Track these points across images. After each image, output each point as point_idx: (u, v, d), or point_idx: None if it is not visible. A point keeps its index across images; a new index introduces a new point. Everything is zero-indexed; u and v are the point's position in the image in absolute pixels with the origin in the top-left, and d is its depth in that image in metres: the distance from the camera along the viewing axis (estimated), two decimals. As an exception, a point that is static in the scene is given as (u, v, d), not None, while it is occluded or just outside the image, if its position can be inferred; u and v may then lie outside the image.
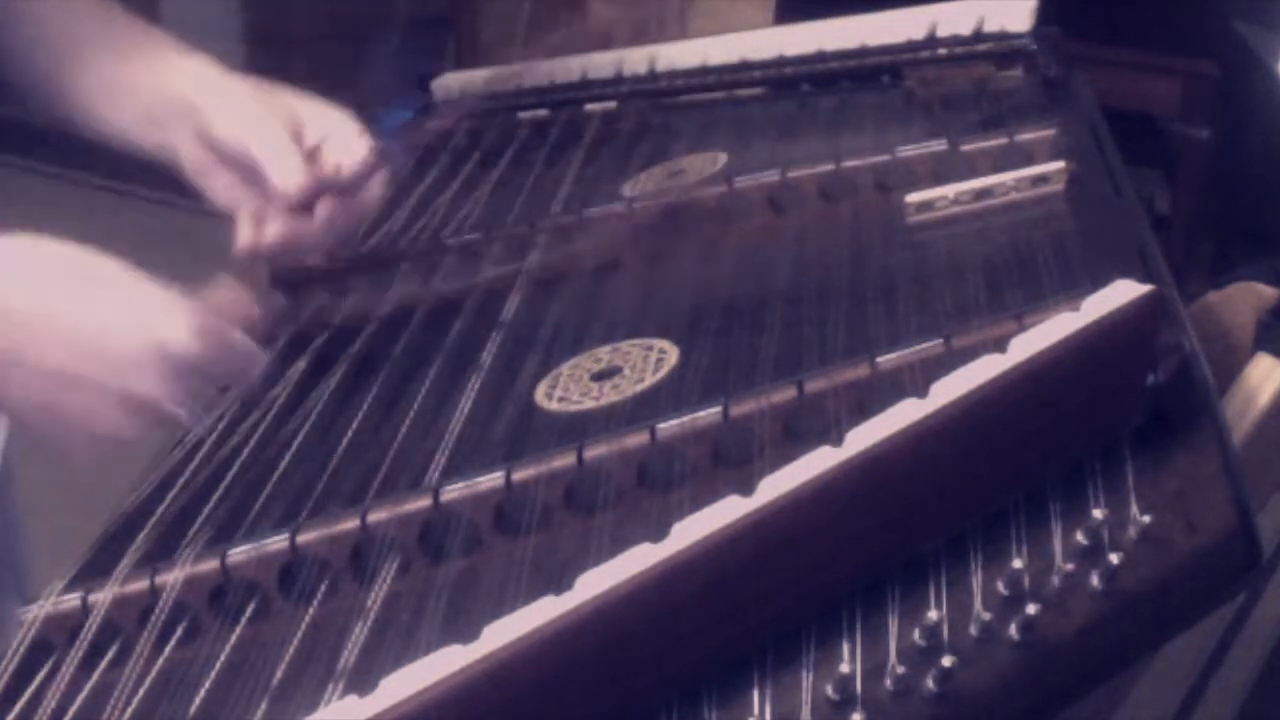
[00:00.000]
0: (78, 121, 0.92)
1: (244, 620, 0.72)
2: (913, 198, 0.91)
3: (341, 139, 0.88)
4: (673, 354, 0.82)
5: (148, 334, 0.73)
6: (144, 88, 0.90)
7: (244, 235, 0.88)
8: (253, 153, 0.86)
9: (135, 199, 2.63)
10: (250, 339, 0.79)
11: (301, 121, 0.88)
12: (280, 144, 0.86)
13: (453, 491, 0.73)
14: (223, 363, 0.76)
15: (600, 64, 1.25)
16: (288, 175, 0.86)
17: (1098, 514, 0.61)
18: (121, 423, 0.74)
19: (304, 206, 0.87)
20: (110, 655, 0.72)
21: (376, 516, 0.73)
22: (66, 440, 0.76)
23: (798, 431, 0.72)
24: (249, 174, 0.87)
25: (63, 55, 0.91)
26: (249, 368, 0.79)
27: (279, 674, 0.67)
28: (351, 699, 0.57)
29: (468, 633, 0.57)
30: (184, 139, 0.89)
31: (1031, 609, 0.59)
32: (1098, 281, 0.67)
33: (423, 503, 0.73)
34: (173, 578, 0.73)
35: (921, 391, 0.63)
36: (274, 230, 0.87)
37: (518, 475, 0.72)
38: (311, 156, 0.87)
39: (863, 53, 1.15)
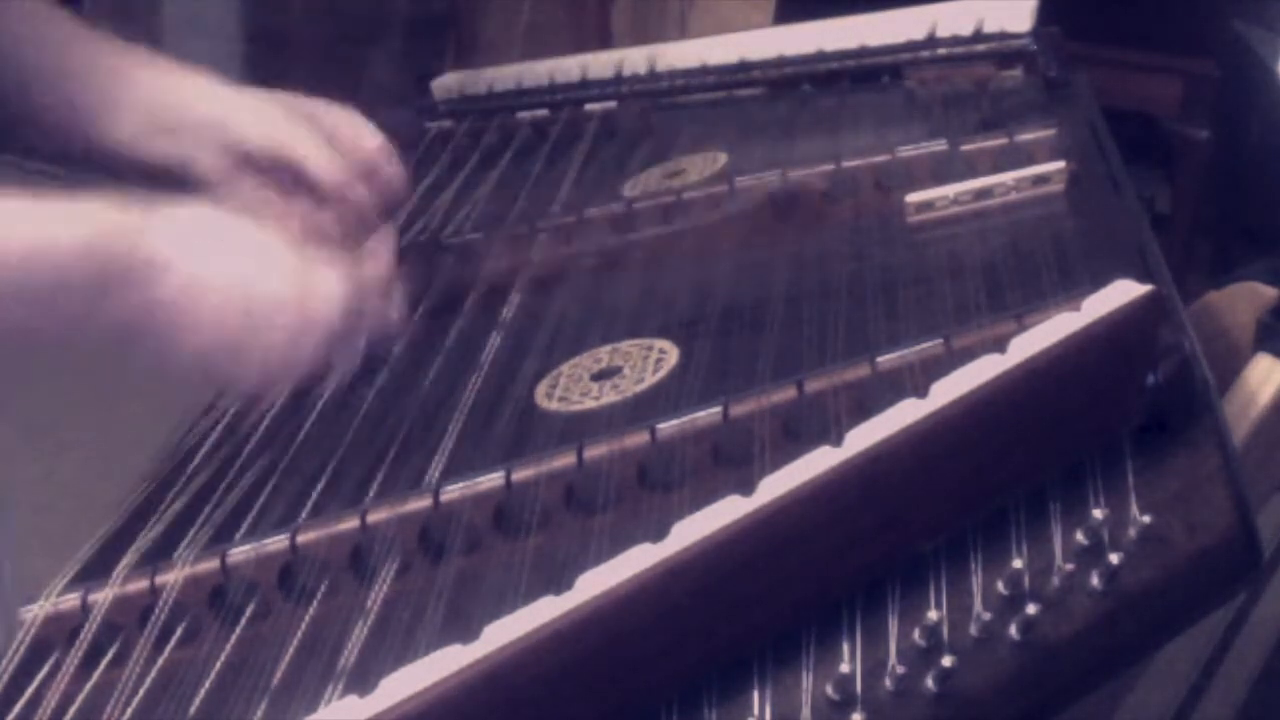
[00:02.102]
0: (88, 143, 0.93)
1: (244, 620, 0.72)
2: (913, 198, 0.91)
3: (351, 129, 0.92)
4: (673, 354, 0.82)
5: (303, 301, 0.78)
6: (153, 104, 0.92)
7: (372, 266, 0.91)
8: (289, 153, 0.89)
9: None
10: (394, 304, 0.86)
11: (319, 121, 0.91)
12: (313, 140, 0.90)
13: (453, 491, 0.73)
14: (367, 326, 0.82)
15: (600, 64, 1.24)
16: (329, 166, 0.90)
17: (1098, 514, 0.61)
18: (269, 380, 0.81)
19: (341, 199, 0.91)
20: (110, 655, 0.72)
21: (376, 516, 0.73)
22: (229, 392, 0.86)
23: (798, 431, 0.72)
24: (275, 178, 0.90)
25: (67, 80, 0.92)
26: (389, 331, 0.86)
27: (279, 674, 0.67)
28: (351, 699, 0.57)
29: (468, 633, 0.57)
30: (204, 149, 0.90)
31: (1031, 609, 0.59)
32: (1098, 281, 0.67)
33: (423, 503, 0.73)
34: (173, 578, 0.73)
35: (921, 391, 0.63)
36: (385, 254, 0.91)
37: (518, 475, 0.72)
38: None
39: (863, 53, 1.15)
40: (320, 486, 0.78)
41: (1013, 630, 0.59)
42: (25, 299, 0.74)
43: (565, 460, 0.72)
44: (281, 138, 0.90)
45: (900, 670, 0.58)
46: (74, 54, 0.93)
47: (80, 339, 0.77)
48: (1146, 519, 0.61)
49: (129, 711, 0.68)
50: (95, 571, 0.76)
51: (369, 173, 0.92)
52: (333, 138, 0.91)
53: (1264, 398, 0.77)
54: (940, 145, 0.95)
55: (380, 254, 0.88)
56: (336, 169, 0.90)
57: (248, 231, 0.80)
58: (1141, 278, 0.67)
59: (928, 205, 0.90)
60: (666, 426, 0.72)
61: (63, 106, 0.92)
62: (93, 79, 0.92)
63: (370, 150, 0.92)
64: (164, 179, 0.93)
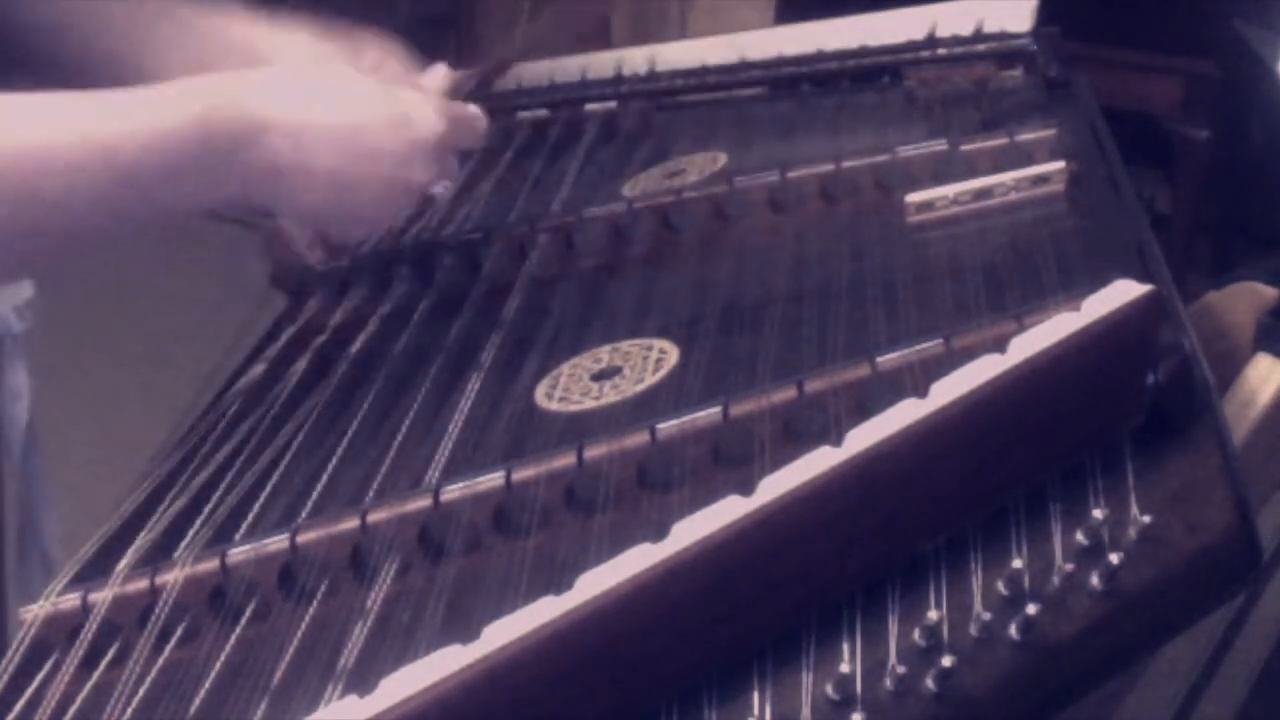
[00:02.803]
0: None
1: (244, 620, 0.72)
2: (913, 198, 0.91)
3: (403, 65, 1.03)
4: (673, 354, 0.82)
5: (401, 128, 0.85)
6: (200, 48, 0.96)
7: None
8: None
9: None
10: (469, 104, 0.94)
11: (361, 50, 1.00)
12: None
13: (453, 491, 0.73)
14: (462, 134, 0.91)
15: (600, 64, 1.25)
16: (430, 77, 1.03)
17: (1098, 514, 0.61)
18: (392, 207, 0.88)
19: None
20: (110, 655, 0.72)
21: (376, 516, 0.73)
22: (356, 229, 0.90)
23: (798, 431, 0.72)
24: None
25: (147, 43, 0.96)
26: (480, 128, 0.94)
27: (279, 674, 0.67)
28: (351, 699, 0.57)
29: (468, 633, 0.57)
30: None
31: (1031, 609, 0.59)
32: (1098, 281, 0.67)
33: (423, 503, 0.73)
34: (173, 578, 0.73)
35: (921, 391, 0.63)
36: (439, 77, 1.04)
37: (518, 475, 0.72)
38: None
39: (863, 53, 1.15)
40: (320, 486, 0.78)
41: (1013, 630, 0.59)
42: (156, 180, 0.78)
43: (565, 460, 0.72)
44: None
45: (900, 670, 0.58)
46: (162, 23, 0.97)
47: (206, 205, 0.82)
48: (1146, 519, 0.61)
49: (129, 711, 0.68)
50: (95, 571, 0.76)
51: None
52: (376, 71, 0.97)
53: (1264, 398, 0.77)
54: (940, 145, 0.95)
55: (437, 72, 1.01)
56: (438, 80, 1.00)
57: (339, 75, 0.87)
58: (1141, 278, 0.67)
59: (928, 205, 0.90)
60: (666, 426, 0.72)
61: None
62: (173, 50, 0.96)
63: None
64: None
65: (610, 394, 0.80)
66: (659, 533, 0.59)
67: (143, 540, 0.77)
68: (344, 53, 0.98)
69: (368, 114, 0.85)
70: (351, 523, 0.73)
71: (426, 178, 0.87)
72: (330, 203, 0.84)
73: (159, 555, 0.76)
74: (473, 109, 0.93)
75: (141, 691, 0.69)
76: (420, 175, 0.86)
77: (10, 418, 1.00)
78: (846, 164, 0.95)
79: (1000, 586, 0.61)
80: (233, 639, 0.71)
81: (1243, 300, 0.86)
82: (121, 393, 2.35)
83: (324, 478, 0.79)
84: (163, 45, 0.97)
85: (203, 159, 0.79)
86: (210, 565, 0.73)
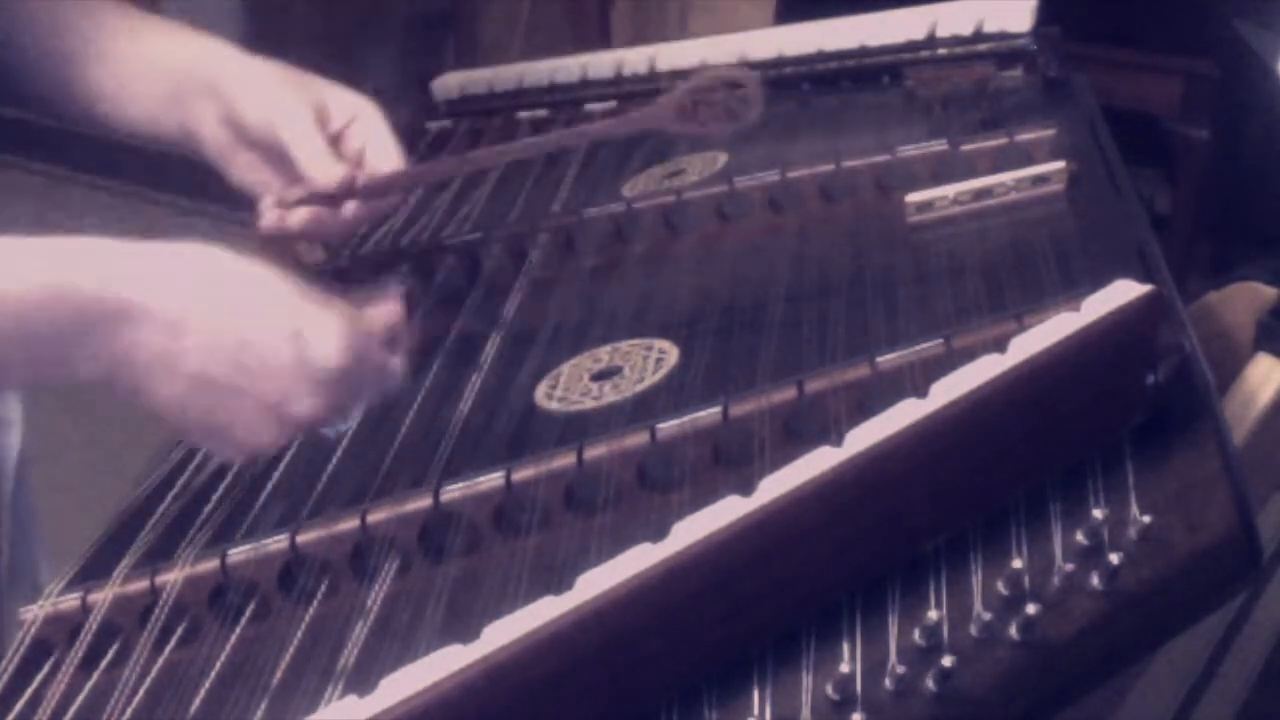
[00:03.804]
0: (96, 115, 0.93)
1: (244, 620, 0.72)
2: (913, 198, 0.91)
3: (371, 129, 0.89)
4: (673, 354, 0.82)
5: (300, 350, 0.73)
6: (164, 70, 0.91)
7: (267, 218, 0.89)
8: (281, 138, 0.87)
9: (137, 200, 2.63)
10: (397, 353, 0.80)
11: (325, 105, 0.89)
12: (309, 132, 0.87)
13: (453, 491, 0.73)
14: (370, 379, 0.77)
15: (600, 64, 1.25)
16: (322, 169, 0.87)
17: (1098, 514, 0.61)
18: (268, 436, 0.75)
19: (336, 203, 0.88)
20: (110, 655, 0.72)
21: (376, 516, 0.73)
22: (219, 448, 0.77)
23: (798, 431, 0.72)
24: (272, 156, 0.88)
25: (81, 47, 0.91)
26: (394, 383, 0.80)
27: (279, 674, 0.67)
28: (351, 699, 0.57)
29: (468, 633, 0.57)
30: (206, 119, 0.89)
31: (1031, 609, 0.59)
32: (1098, 281, 0.67)
33: (423, 503, 0.73)
34: (173, 578, 0.73)
35: (921, 391, 0.63)
36: (300, 217, 0.88)
37: (518, 475, 0.72)
38: (336, 141, 0.88)
39: (863, 53, 1.15)
40: (320, 486, 0.78)
41: (1013, 630, 0.59)
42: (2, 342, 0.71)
43: (565, 460, 0.72)
44: (273, 120, 0.87)
45: (900, 670, 0.58)
46: (98, 21, 0.92)
47: (57, 379, 0.74)
48: (1146, 519, 0.61)
49: (129, 711, 0.68)
50: (95, 571, 0.76)
51: (368, 189, 0.89)
52: (337, 125, 0.89)
53: (1264, 398, 0.77)
54: (940, 145, 0.95)
55: (388, 301, 0.83)
56: (328, 174, 0.87)
57: (246, 274, 0.75)
58: (1141, 278, 0.67)
59: (928, 205, 0.90)
60: (666, 426, 0.72)
61: (84, 84, 0.91)
62: (115, 48, 0.91)
63: (383, 166, 0.88)
64: (168, 146, 0.92)
65: (610, 394, 0.80)
66: (659, 533, 0.59)
67: (143, 540, 0.78)
68: (306, 105, 0.88)
69: (260, 326, 0.73)
70: (351, 523, 0.73)
71: (311, 414, 0.74)
72: (195, 412, 0.74)
73: (159, 555, 0.76)
74: (393, 365, 0.79)
75: (141, 691, 0.69)
76: (302, 409, 0.74)
77: (1, 446, 0.98)
78: (846, 164, 0.95)
79: (1000, 586, 0.61)
80: (233, 639, 0.71)
81: (1243, 300, 0.86)
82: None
83: (324, 478, 0.79)
84: (113, 57, 0.91)
85: (45, 329, 0.71)
86: (210, 565, 0.73)
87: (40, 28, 0.91)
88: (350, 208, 0.89)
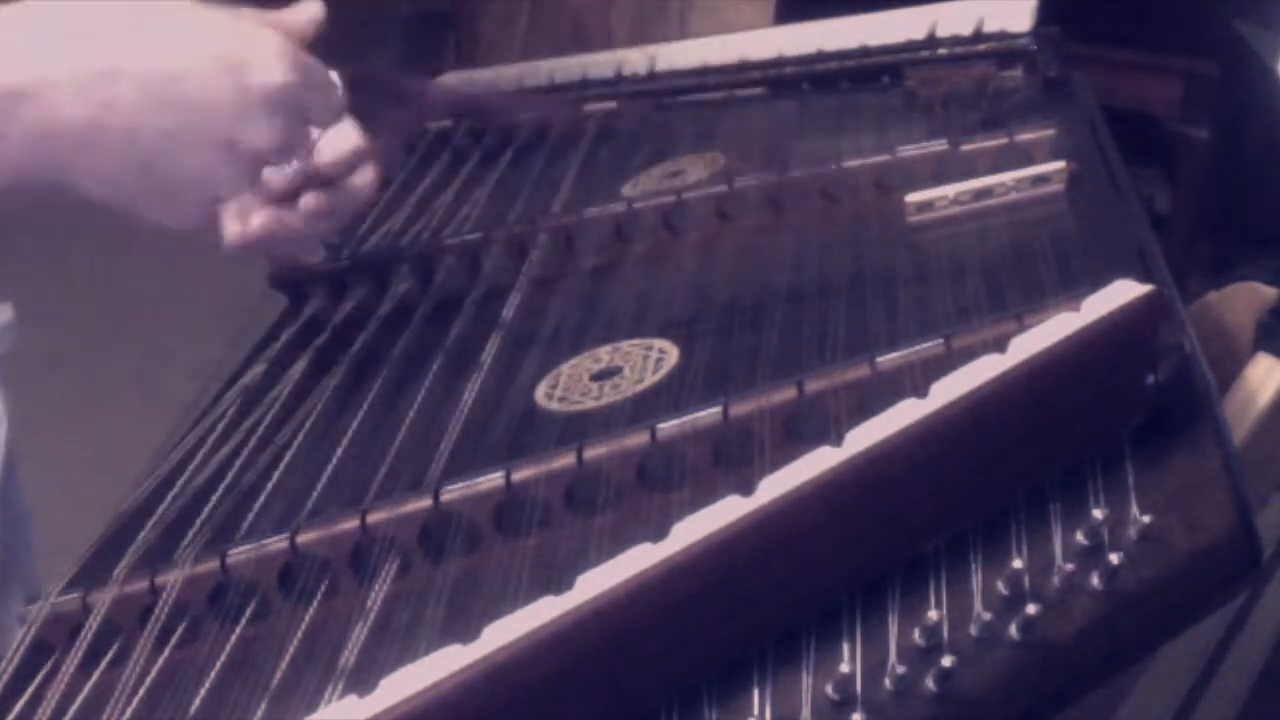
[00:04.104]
0: None
1: (244, 620, 0.72)
2: (913, 198, 0.91)
3: (332, 129, 0.84)
4: (673, 354, 0.82)
5: (238, 74, 0.68)
6: None
7: (230, 231, 0.86)
8: None
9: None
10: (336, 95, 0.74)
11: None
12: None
13: (453, 491, 0.73)
14: (315, 93, 0.72)
15: (600, 64, 1.25)
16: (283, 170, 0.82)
17: (1098, 514, 0.61)
18: (227, 177, 0.70)
19: (291, 198, 0.83)
20: (110, 655, 0.72)
21: (376, 516, 0.73)
22: (174, 211, 0.71)
23: (798, 431, 0.72)
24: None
25: None
26: (335, 96, 0.74)
27: (279, 674, 0.67)
28: (351, 699, 0.57)
29: (468, 633, 0.57)
30: None
31: (1031, 609, 0.59)
32: (1098, 281, 0.67)
33: (423, 503, 0.73)
34: (173, 578, 0.73)
35: (921, 391, 0.63)
36: (258, 222, 0.83)
37: (518, 475, 0.72)
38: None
39: (863, 53, 1.15)
40: (320, 486, 0.78)
41: (1013, 630, 0.59)
42: None
43: (565, 460, 0.72)
44: None
45: (900, 670, 0.58)
46: None
47: None
48: (1146, 519, 0.61)
49: (129, 711, 0.68)
50: (95, 571, 0.76)
51: (320, 176, 0.82)
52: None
53: (1264, 398, 0.77)
54: (940, 145, 0.95)
55: (300, 10, 0.75)
56: (285, 174, 0.80)
57: (162, 4, 0.68)
58: (1141, 278, 0.67)
59: (928, 205, 0.90)
60: (666, 426, 0.72)
61: None
62: None
63: (338, 157, 0.82)
64: None
65: (610, 394, 0.80)
66: (659, 533, 0.59)
67: (143, 540, 0.78)
68: None
69: (189, 54, 0.66)
70: (351, 523, 0.73)
71: (266, 141, 0.69)
72: (136, 171, 0.67)
73: (159, 555, 0.76)
74: (328, 71, 0.73)
75: (141, 691, 0.69)
76: (257, 136, 0.68)
77: None
78: (846, 164, 0.95)
79: (1000, 586, 0.61)
80: (233, 639, 0.71)
81: (1243, 300, 0.86)
82: (121, 392, 2.35)
83: (324, 478, 0.79)
84: None
85: None
86: (210, 565, 0.73)
87: None
88: (309, 200, 0.83)
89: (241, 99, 0.67)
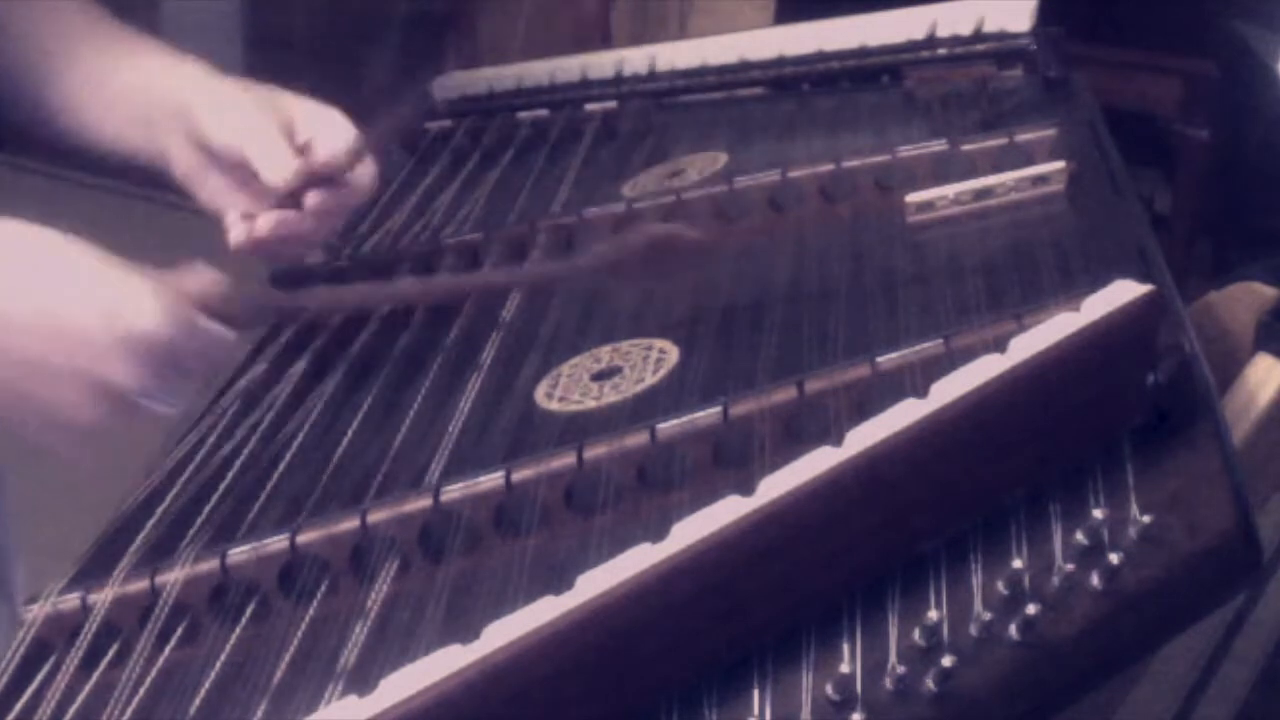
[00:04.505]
0: (62, 127, 0.91)
1: (244, 620, 0.72)
2: (913, 198, 0.91)
3: (332, 132, 0.87)
4: (673, 354, 0.82)
5: (112, 316, 0.72)
6: (133, 89, 0.90)
7: (235, 232, 0.87)
8: (245, 153, 0.86)
9: (129, 197, 2.64)
10: (222, 326, 0.77)
11: (293, 119, 0.87)
12: (271, 140, 0.86)
13: (453, 491, 0.73)
14: (192, 347, 0.74)
15: (600, 64, 1.25)
16: (277, 168, 0.85)
17: (1098, 514, 0.61)
18: (92, 412, 0.73)
19: (294, 200, 0.87)
20: (110, 655, 0.72)
21: (376, 516, 0.73)
22: (44, 435, 0.75)
23: (798, 431, 0.72)
24: (241, 177, 0.87)
25: (50, 58, 0.90)
26: (219, 354, 0.77)
27: (279, 674, 0.67)
28: (351, 699, 0.57)
29: (468, 633, 0.57)
30: (175, 141, 0.88)
31: (1031, 609, 0.59)
32: (1098, 281, 0.67)
33: (423, 503, 0.73)
34: (173, 578, 0.73)
35: (921, 391, 0.63)
36: (264, 223, 0.87)
37: (518, 475, 0.72)
38: (302, 152, 0.87)
39: (863, 53, 1.15)
40: (320, 486, 0.78)
41: (1013, 630, 0.59)
42: None
43: (565, 460, 0.72)
44: (239, 138, 0.86)
45: (900, 670, 0.58)
46: (70, 33, 0.90)
47: None
48: (1146, 519, 0.61)
49: (129, 711, 0.68)
50: (95, 571, 0.76)
51: (329, 178, 0.87)
52: (303, 137, 0.87)
53: (1264, 398, 0.77)
54: (940, 145, 0.95)
55: (202, 273, 0.78)
56: (282, 172, 0.85)
57: (42, 244, 0.73)
58: (1141, 278, 0.67)
59: (928, 205, 0.90)
60: (666, 426, 0.72)
61: (52, 95, 0.90)
62: (84, 63, 0.90)
63: (336, 154, 0.87)
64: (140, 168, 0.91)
65: (610, 394, 0.80)
66: (659, 533, 0.59)
67: (142, 540, 0.77)
68: (273, 121, 0.86)
69: (64, 294, 0.71)
70: (351, 523, 0.73)
71: (133, 383, 0.72)
72: (8, 396, 0.72)
73: (159, 555, 0.76)
74: (221, 332, 0.76)
75: (141, 691, 0.69)
76: (124, 378, 0.71)
77: None
78: (846, 164, 0.95)
79: (1000, 586, 0.61)
80: (233, 639, 0.71)
81: (1243, 300, 0.86)
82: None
83: (324, 478, 0.79)
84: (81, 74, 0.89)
85: None
86: (210, 565, 0.73)
87: (11, 30, 0.90)
88: (312, 198, 0.87)
89: (110, 340, 0.71)
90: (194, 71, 0.89)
